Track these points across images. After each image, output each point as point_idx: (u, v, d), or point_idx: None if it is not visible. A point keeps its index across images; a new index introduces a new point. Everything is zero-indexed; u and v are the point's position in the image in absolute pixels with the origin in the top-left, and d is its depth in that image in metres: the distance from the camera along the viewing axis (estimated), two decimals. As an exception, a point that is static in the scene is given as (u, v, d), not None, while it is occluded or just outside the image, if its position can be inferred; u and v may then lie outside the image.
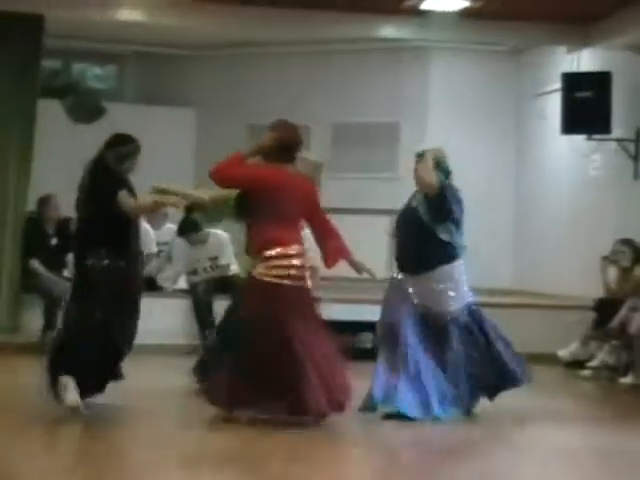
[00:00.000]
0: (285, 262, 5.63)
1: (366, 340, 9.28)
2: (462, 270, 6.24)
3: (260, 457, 4.97)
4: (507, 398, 7.20)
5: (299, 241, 5.75)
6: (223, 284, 8.56)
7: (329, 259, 5.87)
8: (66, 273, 9.32)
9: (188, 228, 8.69)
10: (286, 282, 5.62)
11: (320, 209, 5.92)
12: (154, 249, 9.43)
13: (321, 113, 11.26)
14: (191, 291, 8.97)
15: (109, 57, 11.64)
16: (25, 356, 8.61)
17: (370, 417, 5.95)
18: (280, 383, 5.49)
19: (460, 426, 6.09)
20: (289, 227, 5.71)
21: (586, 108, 9.32)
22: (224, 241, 8.83)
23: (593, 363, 8.46)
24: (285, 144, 5.81)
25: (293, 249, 5.67)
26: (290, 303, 5.62)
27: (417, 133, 10.96)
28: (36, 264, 9.18)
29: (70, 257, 9.44)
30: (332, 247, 5.88)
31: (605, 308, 8.59)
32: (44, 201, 9.35)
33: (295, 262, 5.65)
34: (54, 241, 9.35)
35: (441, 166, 6.31)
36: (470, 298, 6.26)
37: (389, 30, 9.82)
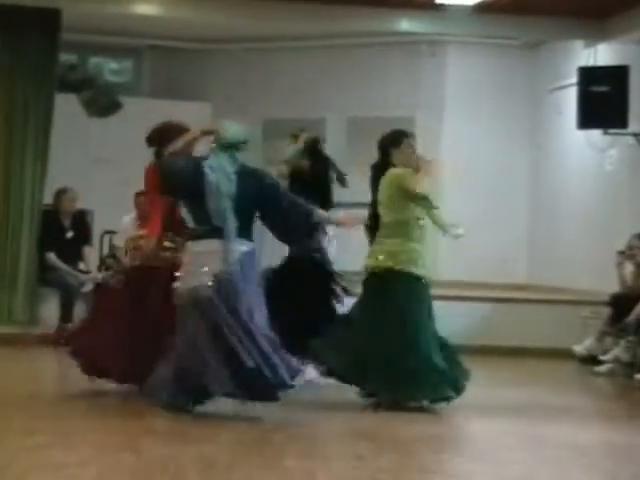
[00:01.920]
0: None
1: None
2: None
3: (274, 452, 4.98)
4: (521, 394, 7.20)
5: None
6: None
7: None
8: (82, 266, 9.35)
9: None
10: None
11: None
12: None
13: (336, 107, 11.25)
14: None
15: (125, 51, 11.65)
16: (42, 348, 8.68)
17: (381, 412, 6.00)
18: None
19: (471, 421, 6.09)
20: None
21: (603, 102, 9.26)
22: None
23: (608, 359, 8.42)
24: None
25: None
26: None
27: (433, 128, 10.93)
28: (53, 257, 9.21)
29: (87, 250, 9.52)
30: None
31: (621, 303, 8.55)
32: (60, 194, 9.38)
33: None
34: (70, 234, 9.38)
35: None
36: None
37: (405, 24, 9.79)
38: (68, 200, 9.35)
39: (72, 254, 9.29)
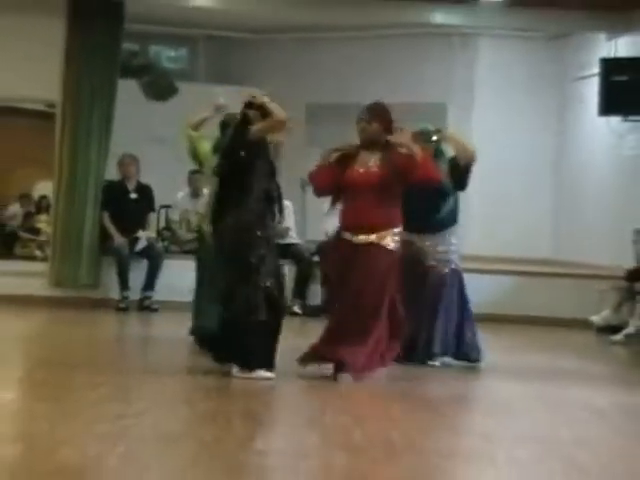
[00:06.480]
0: None
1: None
2: None
3: (312, 411, 4.96)
4: (542, 359, 7.12)
5: None
6: (281, 250, 8.46)
7: None
8: (140, 233, 9.23)
9: None
10: None
11: None
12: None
13: (372, 93, 11.11)
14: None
15: (182, 40, 11.65)
16: (101, 311, 8.76)
17: (413, 373, 5.95)
18: None
19: (496, 384, 6.02)
20: None
21: (622, 91, 9.12)
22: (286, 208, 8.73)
23: (627, 330, 8.27)
24: None
25: None
26: None
27: (463, 114, 10.81)
28: (106, 217, 9.19)
29: (151, 217, 9.43)
30: None
31: (636, 278, 8.42)
32: (122, 160, 9.33)
33: None
34: (134, 195, 9.27)
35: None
36: None
37: (439, 17, 9.70)
38: (128, 160, 9.25)
39: (135, 218, 9.19)
